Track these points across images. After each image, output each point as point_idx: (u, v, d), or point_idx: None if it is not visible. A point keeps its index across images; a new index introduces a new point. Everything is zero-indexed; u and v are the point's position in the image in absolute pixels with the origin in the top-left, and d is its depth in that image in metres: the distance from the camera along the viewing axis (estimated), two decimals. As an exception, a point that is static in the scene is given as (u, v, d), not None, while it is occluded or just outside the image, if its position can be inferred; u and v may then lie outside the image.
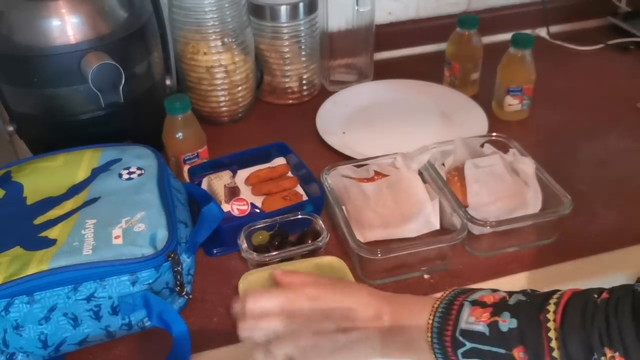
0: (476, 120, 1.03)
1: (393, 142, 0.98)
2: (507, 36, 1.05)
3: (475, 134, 0.95)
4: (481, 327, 0.53)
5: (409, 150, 0.86)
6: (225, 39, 0.99)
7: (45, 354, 0.65)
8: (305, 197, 0.85)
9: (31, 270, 0.62)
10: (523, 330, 0.52)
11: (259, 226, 0.78)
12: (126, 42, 0.85)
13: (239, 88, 1.05)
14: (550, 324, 0.51)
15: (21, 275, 0.62)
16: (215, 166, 0.89)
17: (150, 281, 0.66)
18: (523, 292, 0.56)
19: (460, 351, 0.54)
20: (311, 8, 1.06)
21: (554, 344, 0.51)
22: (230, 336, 0.70)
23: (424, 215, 0.80)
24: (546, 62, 1.11)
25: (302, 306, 0.59)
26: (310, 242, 0.77)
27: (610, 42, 1.28)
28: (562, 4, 1.34)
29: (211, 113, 1.06)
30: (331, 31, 1.13)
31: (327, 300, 0.59)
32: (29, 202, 0.72)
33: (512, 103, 1.04)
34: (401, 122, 1.06)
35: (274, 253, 0.75)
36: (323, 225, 0.78)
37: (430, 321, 0.56)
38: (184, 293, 0.69)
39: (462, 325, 0.54)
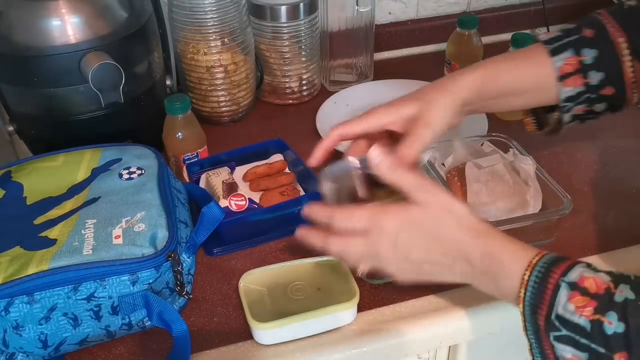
0: (476, 120, 1.02)
1: (393, 142, 0.98)
2: (507, 36, 1.05)
3: (475, 134, 0.95)
4: (582, 322, 0.50)
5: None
6: (225, 39, 0.99)
7: (45, 354, 0.65)
8: (302, 193, 0.85)
9: (31, 270, 0.62)
10: (631, 337, 0.48)
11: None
12: (126, 42, 0.85)
13: (239, 88, 1.05)
14: None
15: (21, 275, 0.62)
16: (213, 163, 0.89)
17: (151, 281, 0.66)
18: (629, 281, 0.51)
19: (553, 334, 0.51)
20: (311, 8, 1.06)
21: None
22: (230, 336, 0.70)
23: (424, 215, 0.80)
24: (546, 62, 1.11)
25: (383, 241, 0.58)
26: None
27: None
28: (562, 4, 1.35)
29: (211, 113, 1.06)
30: (331, 31, 1.13)
31: (408, 242, 0.58)
32: (29, 202, 0.72)
33: (512, 103, 1.04)
34: (401, 122, 1.05)
35: None
36: None
37: (522, 294, 0.53)
38: (184, 293, 0.69)
39: (559, 310, 0.51)
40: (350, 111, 1.09)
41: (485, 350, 0.82)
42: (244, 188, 0.87)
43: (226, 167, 0.87)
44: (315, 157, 0.70)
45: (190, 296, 0.72)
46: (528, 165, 0.84)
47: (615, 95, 0.70)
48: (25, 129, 0.90)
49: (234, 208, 0.80)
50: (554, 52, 0.69)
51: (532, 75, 0.70)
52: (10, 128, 0.90)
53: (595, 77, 0.69)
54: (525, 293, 0.53)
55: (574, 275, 0.52)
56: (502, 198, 0.81)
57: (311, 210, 0.63)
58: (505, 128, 1.01)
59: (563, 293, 0.51)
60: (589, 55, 0.69)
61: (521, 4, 1.35)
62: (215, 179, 0.84)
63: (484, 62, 0.72)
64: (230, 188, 0.83)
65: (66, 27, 0.81)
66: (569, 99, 0.70)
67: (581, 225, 0.83)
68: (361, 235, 0.59)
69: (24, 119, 0.89)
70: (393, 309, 0.72)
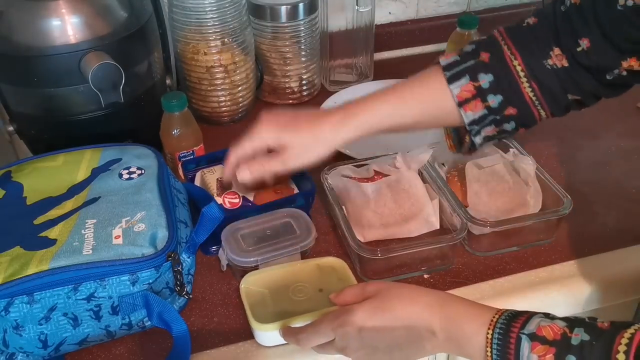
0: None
1: (393, 142, 0.98)
2: (507, 36, 1.05)
3: (475, 134, 0.95)
4: None
5: (409, 150, 0.86)
6: (225, 39, 0.99)
7: (45, 354, 0.65)
8: (296, 191, 0.86)
9: (31, 270, 0.62)
10: None
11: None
12: (126, 42, 0.85)
13: (239, 88, 1.05)
14: None
15: (21, 275, 0.62)
16: (209, 161, 0.89)
17: (151, 281, 0.66)
18: (584, 324, 0.53)
19: None
20: (311, 8, 1.06)
21: None
22: (230, 336, 0.70)
23: (424, 215, 0.80)
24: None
25: (350, 343, 0.60)
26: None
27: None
28: (562, 4, 1.34)
29: (211, 113, 1.06)
30: (331, 31, 1.13)
31: (374, 334, 0.59)
32: (28, 202, 0.72)
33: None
34: (401, 122, 1.05)
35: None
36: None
37: (489, 353, 0.55)
38: (184, 293, 0.69)
39: None
40: (350, 111, 1.09)
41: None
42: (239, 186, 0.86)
43: (221, 165, 0.87)
44: (226, 178, 0.78)
45: (190, 296, 0.72)
46: (528, 165, 0.84)
47: (520, 114, 0.72)
48: (25, 129, 0.90)
49: (227, 206, 0.80)
50: (451, 80, 0.72)
51: (432, 106, 0.73)
52: (10, 128, 0.90)
53: (494, 100, 0.71)
54: (492, 351, 0.55)
55: (532, 326, 0.54)
56: (502, 198, 0.81)
57: (283, 334, 0.66)
58: (505, 128, 1.01)
59: (525, 345, 0.53)
60: (485, 80, 0.71)
61: (521, 4, 1.35)
62: (210, 176, 0.84)
63: (384, 95, 0.74)
64: (225, 186, 0.83)
65: (66, 27, 0.81)
66: (473, 122, 0.72)
67: (581, 225, 0.83)
68: (330, 344, 0.62)
69: (24, 119, 0.89)
70: (393, 309, 0.72)
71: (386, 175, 0.85)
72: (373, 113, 0.73)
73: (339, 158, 0.95)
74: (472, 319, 0.57)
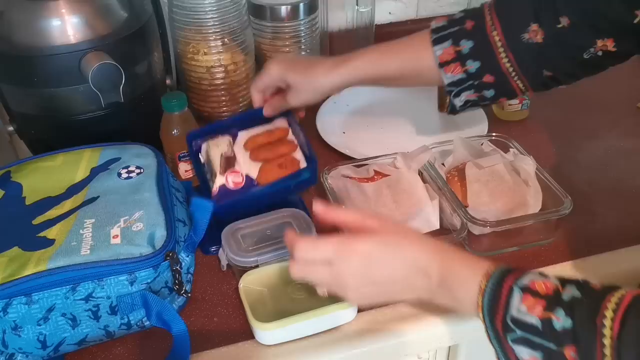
0: (476, 120, 1.02)
1: (393, 142, 0.98)
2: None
3: (475, 134, 0.95)
4: (534, 321, 0.53)
5: (409, 150, 0.86)
6: (226, 39, 0.99)
7: (45, 354, 0.65)
8: (303, 163, 0.83)
9: (29, 270, 0.62)
10: (577, 331, 0.51)
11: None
12: (126, 42, 0.85)
13: (239, 88, 1.05)
14: (607, 331, 0.49)
15: (19, 276, 0.62)
16: (216, 129, 0.87)
17: (149, 280, 0.66)
18: (576, 283, 0.54)
19: (510, 336, 0.54)
20: (311, 8, 1.06)
21: (607, 351, 0.49)
22: (230, 336, 0.70)
23: (424, 215, 0.80)
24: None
25: (350, 268, 0.60)
26: None
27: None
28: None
29: (211, 113, 1.06)
30: (331, 31, 1.13)
31: (376, 264, 0.60)
32: (28, 202, 0.72)
33: (512, 103, 1.04)
34: (401, 122, 1.06)
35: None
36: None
37: (480, 301, 0.56)
38: (183, 292, 0.69)
39: (513, 312, 0.54)
40: (350, 111, 1.09)
41: (484, 350, 0.82)
42: (244, 156, 0.84)
43: (227, 136, 0.85)
44: (256, 104, 0.87)
45: (189, 295, 0.72)
46: (528, 165, 0.84)
47: (497, 82, 0.77)
48: (25, 129, 0.90)
49: (231, 186, 0.79)
50: (436, 42, 0.79)
51: (414, 62, 0.81)
52: (10, 128, 0.90)
53: (472, 65, 0.78)
54: (483, 300, 0.56)
55: (525, 280, 0.55)
56: (502, 198, 0.81)
57: (286, 237, 0.65)
58: (505, 128, 1.01)
59: (516, 296, 0.54)
60: (466, 45, 0.78)
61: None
62: (215, 150, 0.83)
63: (374, 47, 0.84)
64: (228, 162, 0.81)
65: (66, 27, 0.81)
66: (452, 84, 0.80)
67: (581, 225, 0.83)
68: (325, 265, 0.61)
69: (24, 119, 0.89)
70: (393, 309, 0.72)
71: (386, 175, 0.85)
72: (361, 60, 0.82)
73: (339, 158, 0.96)
74: (469, 267, 0.59)
